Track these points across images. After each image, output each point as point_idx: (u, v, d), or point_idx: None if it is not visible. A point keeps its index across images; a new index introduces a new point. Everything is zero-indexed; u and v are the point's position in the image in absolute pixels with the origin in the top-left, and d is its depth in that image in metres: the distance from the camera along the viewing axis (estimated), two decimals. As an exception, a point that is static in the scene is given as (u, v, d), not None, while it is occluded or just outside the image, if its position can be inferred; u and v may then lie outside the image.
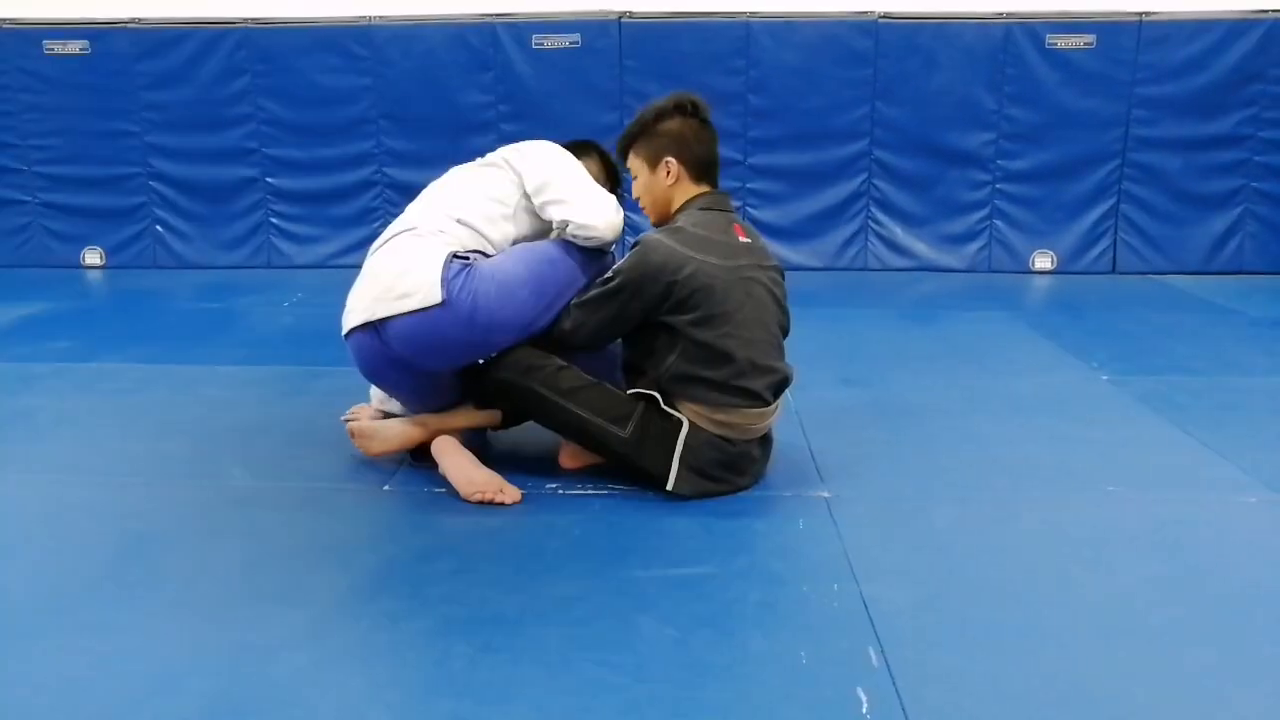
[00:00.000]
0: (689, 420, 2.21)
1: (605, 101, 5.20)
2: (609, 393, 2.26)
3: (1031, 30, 5.09)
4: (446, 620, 1.73)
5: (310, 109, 5.29)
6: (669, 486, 2.21)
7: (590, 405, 2.23)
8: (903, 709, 1.47)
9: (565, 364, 2.27)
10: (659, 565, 1.94)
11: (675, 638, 1.67)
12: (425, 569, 1.93)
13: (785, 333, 2.38)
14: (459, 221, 2.33)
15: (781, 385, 2.31)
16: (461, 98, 5.24)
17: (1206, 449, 2.59)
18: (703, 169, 2.36)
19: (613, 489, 2.30)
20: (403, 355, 2.26)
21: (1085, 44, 5.08)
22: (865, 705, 1.48)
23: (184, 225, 5.48)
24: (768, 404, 2.27)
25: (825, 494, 2.29)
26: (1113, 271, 5.33)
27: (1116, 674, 1.58)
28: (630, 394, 2.27)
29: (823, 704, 1.49)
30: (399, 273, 2.24)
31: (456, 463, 2.30)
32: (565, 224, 2.33)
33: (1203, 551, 2.02)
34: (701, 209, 2.32)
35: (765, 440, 2.37)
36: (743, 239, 2.32)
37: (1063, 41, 5.09)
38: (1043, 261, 5.34)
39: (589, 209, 2.32)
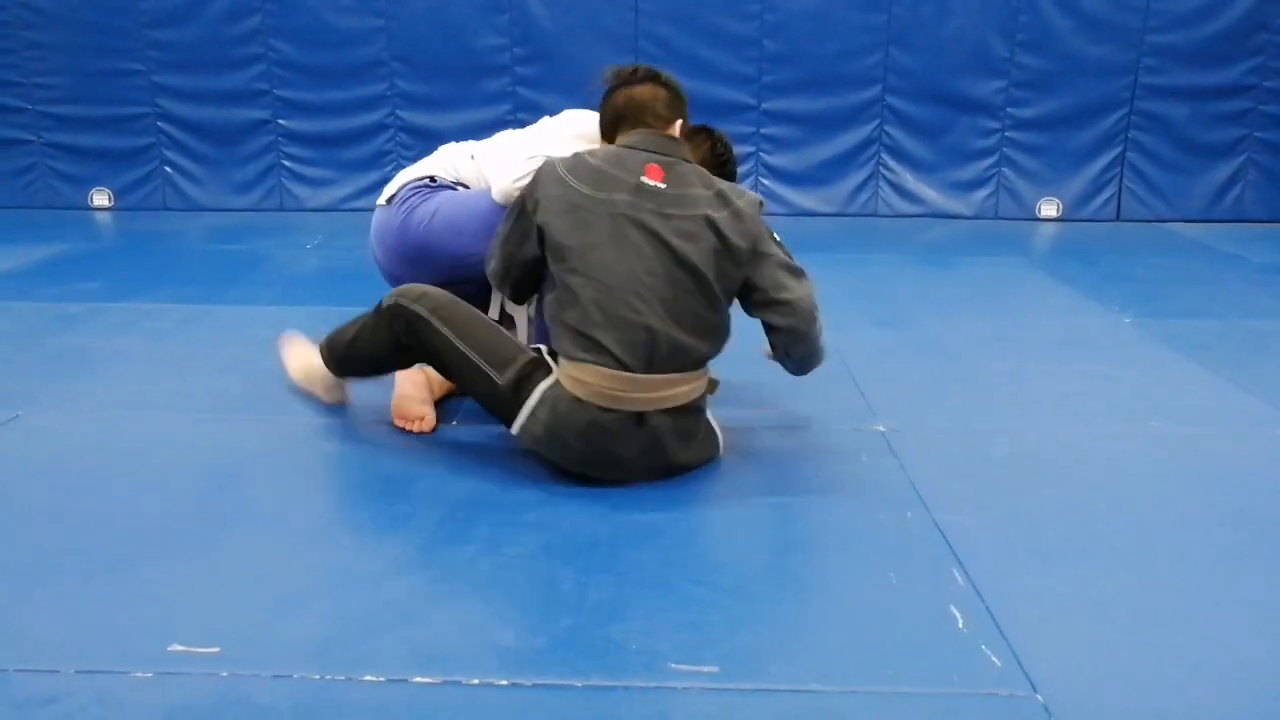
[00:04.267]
0: (558, 374, 2.01)
1: (620, 45, 5.17)
2: (501, 337, 2.08)
3: (1045, -24, 5.12)
4: (545, 546, 1.80)
5: (322, 50, 5.22)
6: (513, 429, 2.03)
7: (476, 343, 2.04)
8: (996, 624, 1.56)
9: (467, 304, 2.12)
10: (735, 496, 2.02)
11: (767, 561, 1.76)
12: (512, 498, 2.00)
13: (719, 297, 2.01)
14: (473, 157, 2.48)
15: (649, 349, 1.94)
16: (476, 40, 5.19)
17: (1235, 386, 2.69)
18: (607, 128, 2.17)
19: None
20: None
21: (1099, -10, 5.11)
22: (961, 621, 1.57)
23: (194, 167, 5.41)
24: (624, 366, 1.94)
25: (881, 428, 2.37)
26: (1116, 219, 5.41)
27: (1192, 592, 1.68)
28: (533, 348, 2.11)
29: (920, 621, 1.57)
30: (396, 176, 2.53)
31: (401, 390, 2.40)
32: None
33: (1247, 481, 2.12)
34: (622, 145, 2.08)
35: (645, 428, 1.98)
36: (652, 181, 1.98)
37: (1076, -13, 5.12)
38: (1048, 209, 5.41)
39: (495, 168, 2.36)
